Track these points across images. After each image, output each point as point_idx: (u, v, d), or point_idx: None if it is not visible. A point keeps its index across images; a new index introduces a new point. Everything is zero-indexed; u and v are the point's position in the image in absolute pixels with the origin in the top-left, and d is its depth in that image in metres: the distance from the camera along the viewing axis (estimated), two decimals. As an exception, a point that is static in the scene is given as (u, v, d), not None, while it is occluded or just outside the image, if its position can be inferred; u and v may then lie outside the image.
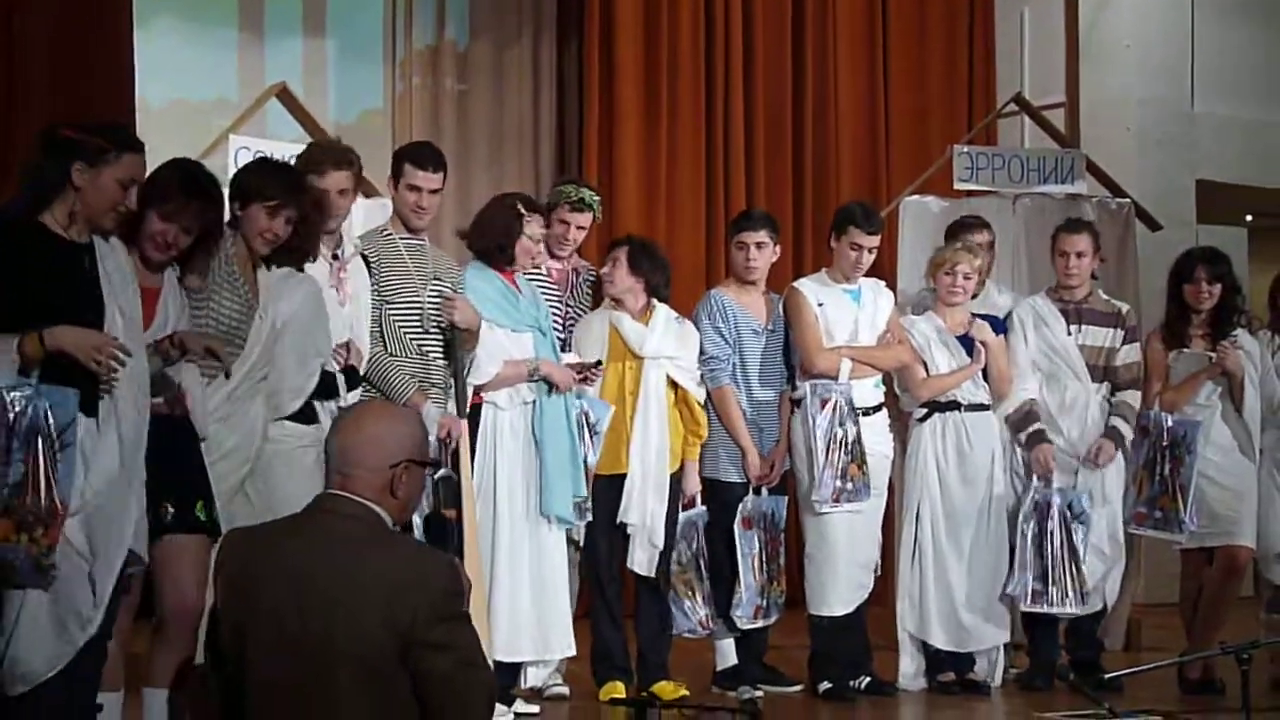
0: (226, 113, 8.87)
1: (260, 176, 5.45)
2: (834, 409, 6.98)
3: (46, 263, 4.62)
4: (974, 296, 7.43)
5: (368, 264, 6.23)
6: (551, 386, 6.52)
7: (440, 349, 6.32)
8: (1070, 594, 7.16)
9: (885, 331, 7.20)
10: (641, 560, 6.85)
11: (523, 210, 6.61)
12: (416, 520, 5.60)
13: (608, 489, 6.79)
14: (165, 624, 5.00)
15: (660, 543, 6.86)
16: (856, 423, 7.01)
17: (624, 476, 6.80)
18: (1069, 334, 7.32)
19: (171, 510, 4.97)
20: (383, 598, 3.47)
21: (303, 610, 3.49)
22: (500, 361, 6.46)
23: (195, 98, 9.40)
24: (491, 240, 6.59)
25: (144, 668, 5.03)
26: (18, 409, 4.46)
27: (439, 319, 6.31)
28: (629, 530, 6.81)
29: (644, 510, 6.81)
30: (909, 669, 7.21)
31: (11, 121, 6.29)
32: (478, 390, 6.44)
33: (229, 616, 3.60)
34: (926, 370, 7.18)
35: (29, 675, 4.58)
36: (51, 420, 4.50)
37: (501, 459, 6.46)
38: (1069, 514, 7.17)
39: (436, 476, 6.06)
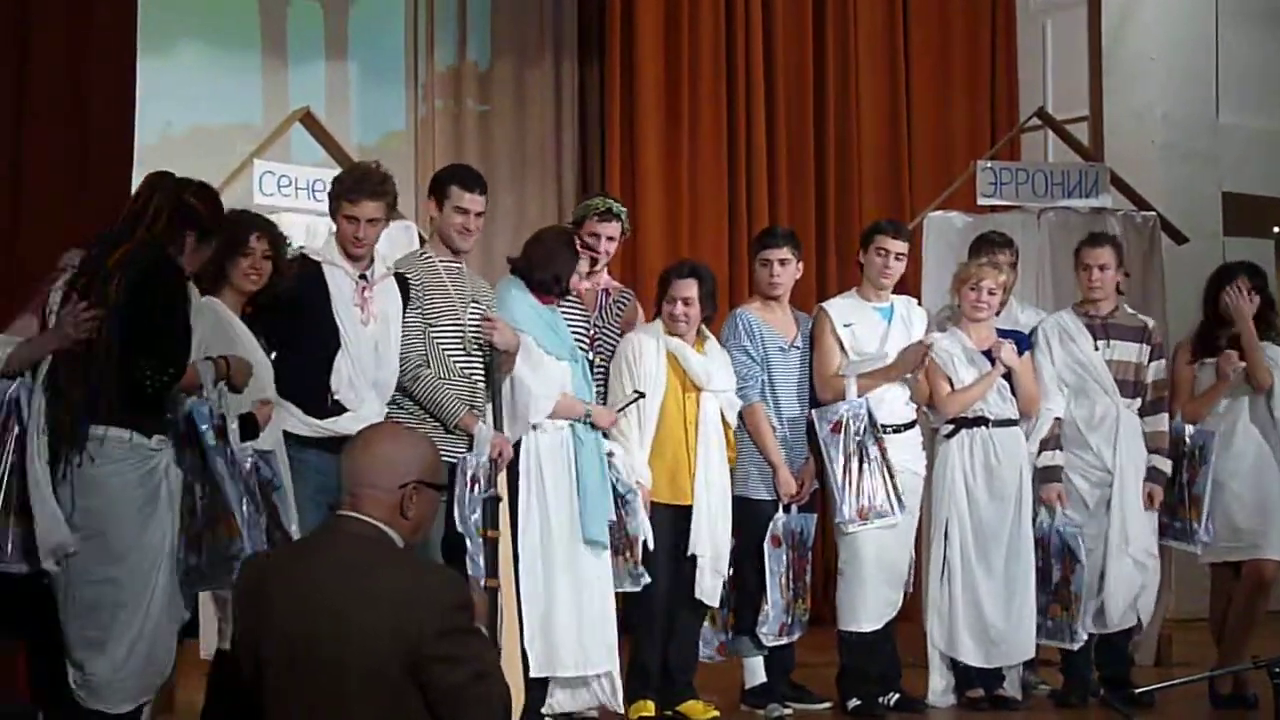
0: (251, 138, 8.91)
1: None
2: (845, 429, 6.96)
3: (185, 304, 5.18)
4: (997, 313, 7.42)
5: (405, 286, 6.28)
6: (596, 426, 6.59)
7: (481, 370, 6.35)
8: (1065, 630, 7.15)
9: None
10: (710, 588, 6.84)
11: (579, 246, 6.68)
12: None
13: (673, 519, 6.80)
14: None
15: (725, 570, 6.87)
16: (878, 437, 6.99)
17: (687, 507, 6.80)
18: (1096, 349, 7.29)
19: None
20: (390, 612, 3.48)
21: (313, 627, 3.51)
22: (555, 398, 6.48)
23: (219, 123, 9.44)
24: (549, 272, 6.60)
25: None
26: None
27: (479, 340, 6.34)
28: (699, 561, 6.81)
29: (714, 540, 6.82)
30: (939, 686, 7.19)
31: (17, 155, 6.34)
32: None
33: (245, 638, 3.64)
34: (952, 386, 7.16)
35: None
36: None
37: (536, 480, 6.48)
38: (1068, 553, 7.14)
39: (483, 496, 6.11)
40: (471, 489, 6.12)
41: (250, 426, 5.62)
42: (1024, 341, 7.27)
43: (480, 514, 6.13)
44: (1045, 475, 7.22)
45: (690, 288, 6.85)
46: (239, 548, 5.06)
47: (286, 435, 5.80)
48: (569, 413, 6.53)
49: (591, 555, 6.57)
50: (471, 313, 6.37)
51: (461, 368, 6.30)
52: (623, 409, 6.67)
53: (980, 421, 7.14)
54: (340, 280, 6.07)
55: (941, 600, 7.15)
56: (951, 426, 7.17)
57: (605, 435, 6.66)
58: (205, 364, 5.28)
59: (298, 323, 5.94)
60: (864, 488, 6.97)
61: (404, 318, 6.22)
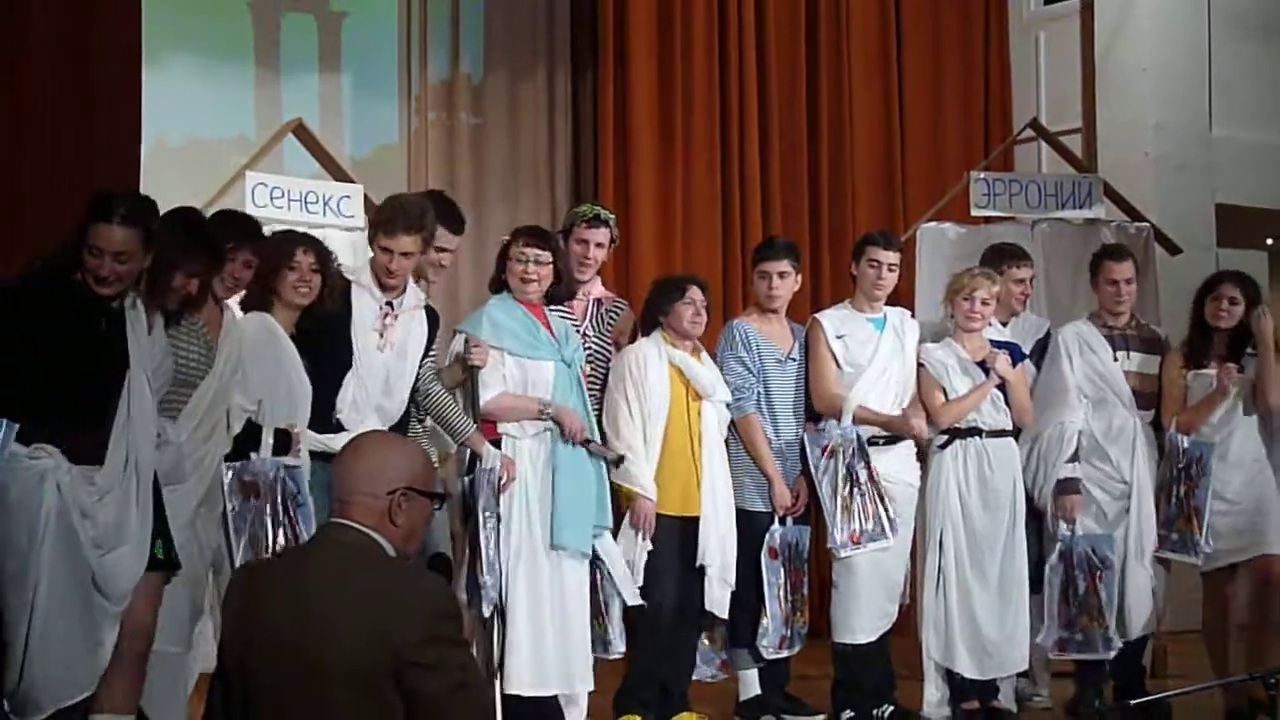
0: (244, 150, 8.91)
1: (215, 226, 5.67)
2: (837, 453, 6.96)
3: (71, 317, 5.02)
4: (1005, 324, 7.44)
5: (435, 319, 6.37)
6: (562, 429, 6.46)
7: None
8: (1097, 640, 7.15)
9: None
10: (719, 599, 6.82)
11: (506, 239, 6.66)
12: None
13: (680, 530, 6.78)
14: (122, 652, 5.20)
15: (733, 581, 6.85)
16: (867, 462, 6.99)
17: (694, 519, 6.78)
18: (1115, 360, 7.29)
19: None
20: (374, 619, 3.48)
21: (299, 632, 3.52)
22: (496, 388, 6.43)
23: (212, 135, 9.44)
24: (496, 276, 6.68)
25: (98, 695, 5.19)
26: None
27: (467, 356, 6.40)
28: (708, 572, 6.79)
29: (722, 551, 6.80)
30: (934, 697, 7.16)
31: (22, 162, 6.32)
32: (488, 421, 6.44)
33: (234, 643, 3.65)
34: (946, 397, 7.15)
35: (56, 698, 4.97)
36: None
37: (517, 489, 6.41)
38: (1095, 561, 7.13)
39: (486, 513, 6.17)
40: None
41: (283, 442, 5.67)
42: (1017, 352, 7.26)
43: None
44: (1063, 487, 7.21)
45: (698, 292, 6.87)
46: None
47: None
48: (522, 410, 6.44)
49: (574, 567, 6.48)
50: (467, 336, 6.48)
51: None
52: (596, 452, 6.58)
53: (974, 432, 7.13)
54: (365, 303, 6.15)
55: (937, 611, 7.12)
56: (945, 437, 7.16)
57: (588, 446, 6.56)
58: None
59: (318, 337, 5.97)
60: (855, 512, 6.96)
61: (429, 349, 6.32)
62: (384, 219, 6.23)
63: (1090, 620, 7.14)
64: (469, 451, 6.33)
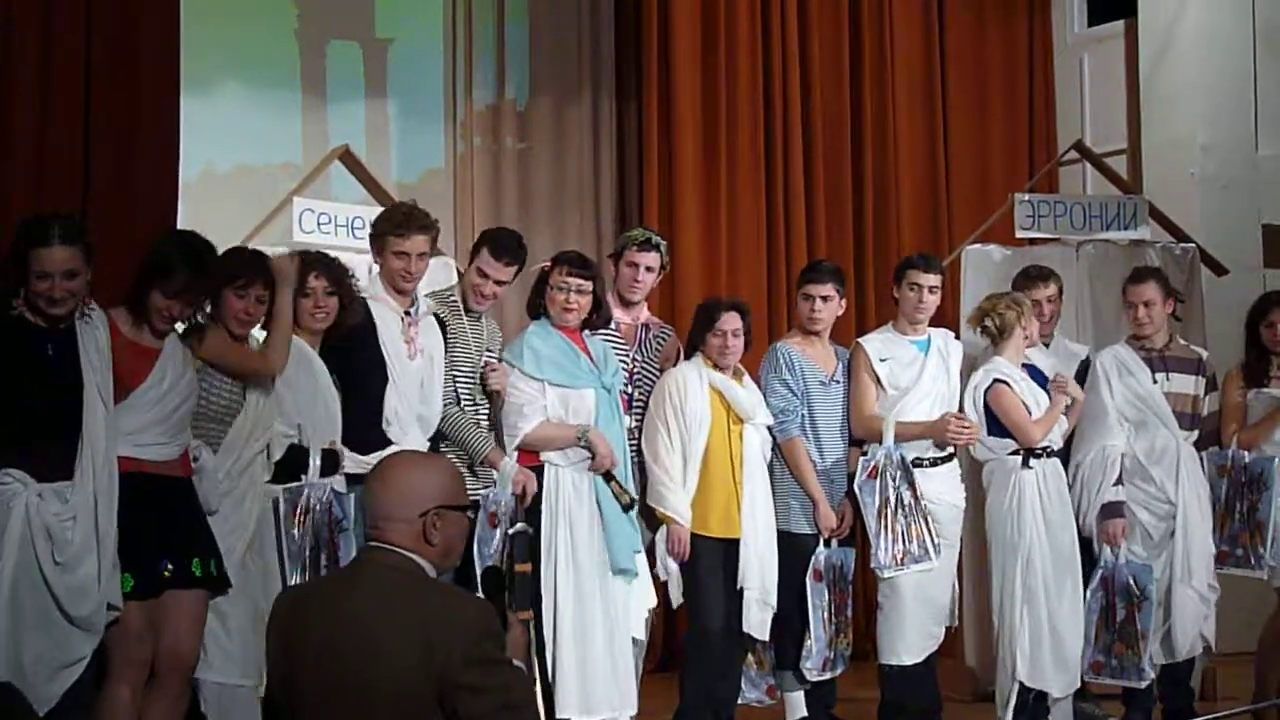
0: (291, 176, 8.96)
1: (224, 262, 5.65)
2: (881, 474, 6.95)
3: (15, 346, 5.06)
4: (1046, 345, 7.47)
5: (442, 324, 6.36)
6: (592, 456, 6.51)
7: (487, 415, 6.50)
8: (1132, 669, 7.12)
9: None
10: (758, 622, 6.84)
11: (547, 265, 6.69)
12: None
13: (722, 552, 6.80)
14: (160, 675, 5.31)
15: (774, 603, 6.86)
16: (912, 483, 6.98)
17: (736, 541, 6.80)
18: (1155, 382, 7.28)
19: (170, 567, 5.30)
20: (418, 640, 3.49)
21: (342, 655, 3.53)
22: (534, 420, 6.48)
23: (260, 162, 9.49)
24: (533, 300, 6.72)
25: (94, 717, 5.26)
26: None
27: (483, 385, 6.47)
28: (747, 594, 6.80)
29: (762, 574, 6.82)
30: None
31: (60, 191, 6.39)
32: (530, 450, 6.48)
33: (277, 668, 3.67)
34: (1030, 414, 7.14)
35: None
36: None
37: (562, 516, 6.47)
38: (1135, 591, 7.11)
39: (511, 532, 6.11)
40: (491, 525, 6.14)
41: (331, 462, 5.70)
42: (1040, 378, 7.25)
43: (508, 548, 6.14)
44: (1108, 511, 7.19)
45: (735, 320, 6.87)
46: None
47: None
48: (562, 439, 6.49)
49: (621, 590, 6.56)
50: (486, 360, 6.51)
51: (475, 412, 6.43)
52: (613, 488, 6.59)
53: (1046, 451, 7.13)
54: (387, 316, 6.17)
55: (1022, 632, 7.05)
56: (1019, 457, 7.10)
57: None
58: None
59: (347, 360, 5.99)
60: (899, 533, 6.96)
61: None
62: (396, 223, 6.23)
63: (1126, 648, 7.11)
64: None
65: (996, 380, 7.12)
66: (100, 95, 7.02)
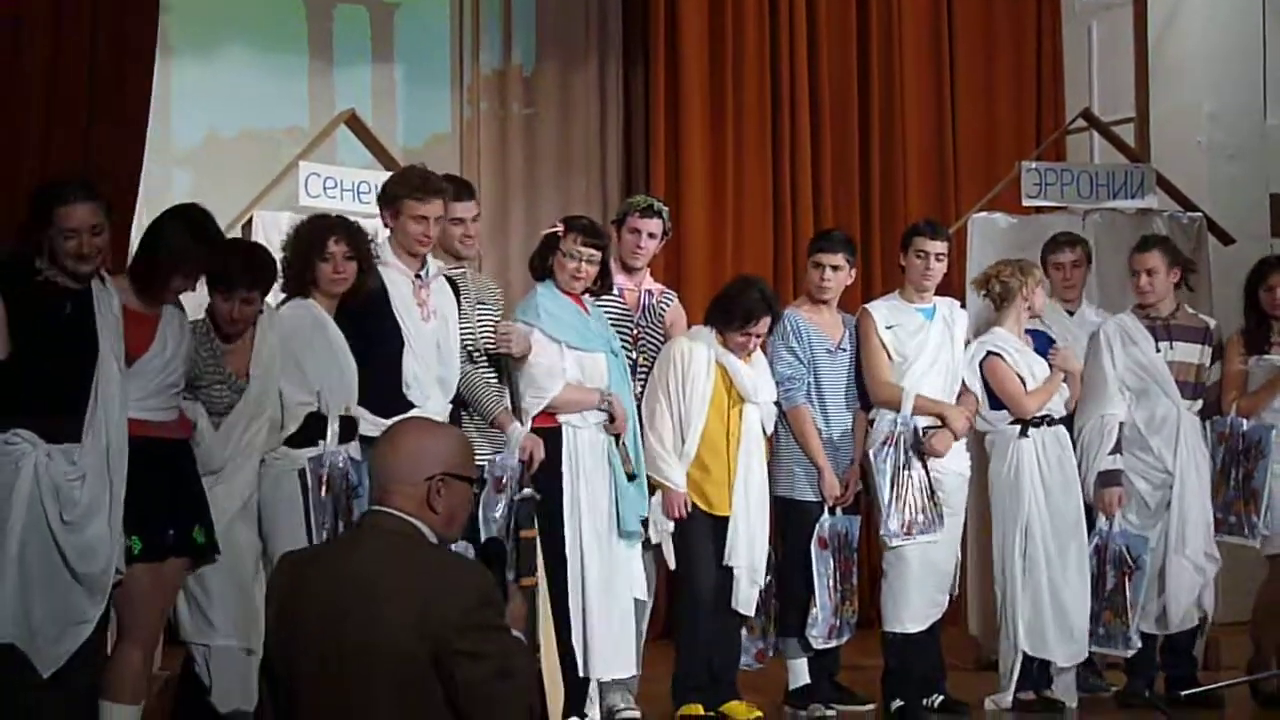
0: (297, 140, 8.95)
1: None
2: (896, 444, 6.96)
3: (39, 304, 5.12)
4: (1071, 313, 7.53)
5: (456, 287, 6.37)
6: (612, 419, 6.55)
7: (493, 374, 6.45)
8: (1118, 637, 7.14)
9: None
10: (745, 598, 6.87)
11: (557, 229, 6.68)
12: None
13: (714, 527, 6.83)
14: (126, 638, 5.39)
15: (761, 581, 6.89)
16: (921, 455, 6.99)
17: (727, 519, 6.82)
18: (1158, 350, 7.27)
19: (171, 533, 5.39)
20: (416, 606, 3.49)
21: (341, 619, 3.53)
22: (560, 383, 6.49)
23: (266, 126, 9.47)
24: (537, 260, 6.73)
25: (105, 679, 5.35)
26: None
27: (489, 346, 6.43)
28: (735, 571, 6.82)
29: (750, 552, 6.83)
30: (1011, 689, 7.12)
31: (20, 167, 6.33)
32: (548, 413, 6.48)
33: (277, 632, 3.67)
34: (1024, 385, 7.14)
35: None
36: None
37: (583, 477, 6.51)
38: (1127, 560, 7.11)
39: (517, 498, 6.13)
40: (496, 490, 6.16)
41: (349, 428, 5.71)
42: (1049, 340, 7.27)
43: (514, 514, 6.16)
44: (1105, 480, 7.19)
45: (765, 325, 6.87)
46: None
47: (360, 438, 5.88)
48: (583, 402, 6.53)
49: (629, 552, 6.61)
50: (479, 316, 6.47)
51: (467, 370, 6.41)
52: (620, 446, 6.62)
53: (1046, 419, 7.13)
54: (398, 280, 6.17)
55: (1023, 600, 7.08)
56: (1018, 427, 7.12)
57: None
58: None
59: (362, 325, 6.00)
60: (909, 503, 6.97)
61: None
62: (415, 186, 6.20)
63: (1114, 616, 7.13)
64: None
65: (990, 352, 7.14)
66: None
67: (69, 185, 5.23)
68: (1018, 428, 7.11)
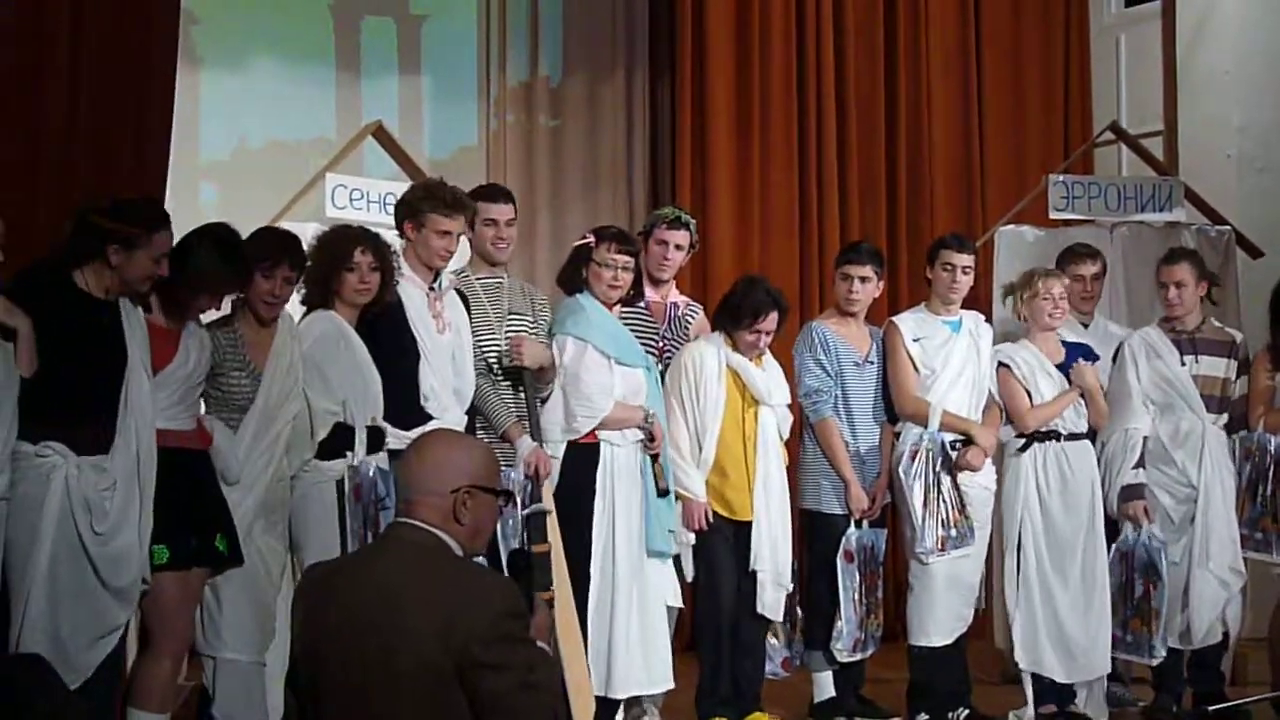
0: (324, 151, 8.98)
1: (252, 244, 5.69)
2: (925, 458, 6.95)
3: (74, 315, 5.16)
4: (1085, 326, 7.47)
5: (466, 300, 6.35)
6: (653, 438, 6.56)
7: (509, 388, 6.46)
8: (1145, 645, 7.10)
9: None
10: (772, 602, 6.85)
11: (589, 240, 6.68)
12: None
13: (735, 534, 6.81)
14: (156, 648, 5.41)
15: (787, 584, 6.87)
16: (950, 469, 6.98)
17: (748, 523, 6.80)
18: (1183, 364, 7.24)
19: (194, 542, 5.42)
20: (440, 618, 3.50)
21: (366, 630, 3.54)
22: (611, 400, 6.49)
23: (293, 137, 9.51)
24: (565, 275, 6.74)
25: (134, 688, 5.40)
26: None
27: (506, 358, 6.44)
28: (759, 576, 6.80)
29: (774, 555, 6.82)
30: (1030, 704, 7.11)
31: (37, 186, 6.34)
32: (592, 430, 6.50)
33: (303, 640, 3.69)
34: (1030, 400, 7.12)
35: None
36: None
37: (619, 495, 6.51)
38: (1152, 568, 7.09)
39: (526, 513, 6.13)
40: (506, 504, 6.16)
41: (376, 439, 5.72)
42: (1090, 353, 7.24)
43: (526, 528, 6.16)
44: (1128, 493, 7.17)
45: (774, 321, 6.85)
46: None
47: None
48: (628, 420, 6.53)
49: (659, 569, 6.60)
50: (509, 327, 6.47)
51: (495, 382, 6.43)
52: (655, 464, 6.62)
53: (1052, 435, 7.11)
54: (412, 293, 6.17)
55: (1022, 617, 7.08)
56: (1022, 441, 7.13)
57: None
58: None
59: (379, 338, 6.01)
60: (941, 518, 6.96)
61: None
62: (446, 202, 6.21)
63: (1142, 624, 7.10)
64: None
65: (1000, 363, 7.14)
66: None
67: (159, 207, 5.43)
68: (1020, 442, 7.10)
